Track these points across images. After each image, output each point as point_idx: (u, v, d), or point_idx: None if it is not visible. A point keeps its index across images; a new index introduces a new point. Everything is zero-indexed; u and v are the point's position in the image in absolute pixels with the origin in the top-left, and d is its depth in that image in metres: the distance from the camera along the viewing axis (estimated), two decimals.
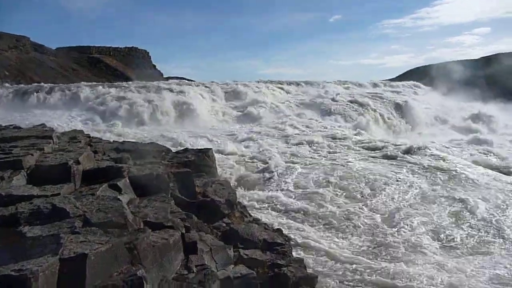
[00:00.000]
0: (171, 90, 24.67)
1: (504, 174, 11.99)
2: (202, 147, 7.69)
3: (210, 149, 6.47)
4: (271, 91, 29.27)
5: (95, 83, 30.23)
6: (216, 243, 4.43)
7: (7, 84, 31.32)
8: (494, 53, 47.04)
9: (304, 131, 19.20)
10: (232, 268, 4.36)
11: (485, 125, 24.69)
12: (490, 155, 14.63)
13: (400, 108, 26.37)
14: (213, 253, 4.27)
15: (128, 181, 4.77)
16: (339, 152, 14.19)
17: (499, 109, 28.78)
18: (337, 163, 12.28)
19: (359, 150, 14.69)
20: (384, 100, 27.80)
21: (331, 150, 14.51)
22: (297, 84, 33.59)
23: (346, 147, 15.11)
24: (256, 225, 5.17)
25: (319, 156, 13.61)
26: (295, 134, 17.99)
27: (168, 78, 49.99)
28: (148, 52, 72.51)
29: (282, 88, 31.02)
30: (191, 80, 36.18)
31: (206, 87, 27.32)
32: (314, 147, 14.94)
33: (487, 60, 44.55)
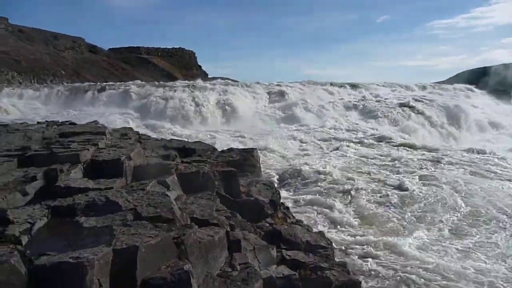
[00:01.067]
0: (216, 90, 25.11)
1: None
2: (247, 147, 7.80)
3: (255, 149, 6.54)
4: (315, 92, 29.02)
5: (144, 82, 31.37)
6: (260, 243, 4.47)
7: (64, 83, 33.24)
8: None
9: (348, 132, 18.96)
10: (275, 268, 4.37)
11: None
12: None
13: (451, 113, 25.27)
14: (256, 252, 4.31)
15: (175, 178, 4.92)
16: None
17: None
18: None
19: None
20: (434, 103, 26.75)
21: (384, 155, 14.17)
22: (341, 85, 33.11)
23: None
24: (299, 226, 5.16)
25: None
26: (338, 136, 17.80)
27: (213, 78, 50.91)
28: (194, 53, 74.21)
29: (326, 90, 30.72)
30: (235, 81, 36.61)
31: (249, 87, 27.56)
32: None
33: None
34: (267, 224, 5.10)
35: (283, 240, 4.81)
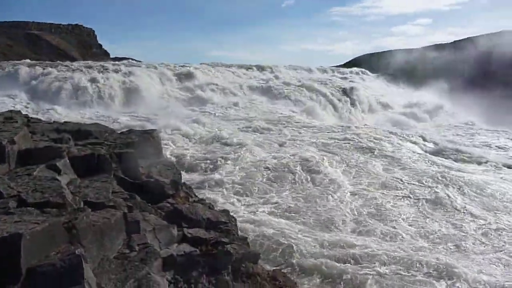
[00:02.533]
0: (118, 71, 23.83)
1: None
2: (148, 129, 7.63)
3: (155, 130, 6.42)
4: (222, 74, 29.11)
5: (35, 61, 28.48)
6: (160, 222, 4.46)
7: None
8: (435, 43, 49.67)
9: (254, 115, 19.43)
10: (176, 246, 4.41)
11: (422, 111, 26.24)
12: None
13: (347, 94, 27.28)
14: (156, 232, 4.30)
15: (68, 161, 4.65)
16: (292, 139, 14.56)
17: (439, 97, 30.57)
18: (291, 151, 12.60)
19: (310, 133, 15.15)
20: (333, 85, 28.60)
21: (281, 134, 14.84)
22: (248, 68, 33.65)
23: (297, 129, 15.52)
24: (200, 205, 5.24)
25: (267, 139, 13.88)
26: (245, 117, 18.17)
27: (115, 59, 48.12)
28: (93, 31, 69.24)
29: (233, 72, 30.96)
30: (139, 61, 35.05)
31: (154, 68, 26.65)
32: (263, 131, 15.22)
33: (430, 49, 46.91)
34: (168, 204, 5.09)
35: (185, 219, 4.86)
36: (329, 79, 30.89)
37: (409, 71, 38.56)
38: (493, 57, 36.76)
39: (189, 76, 26.48)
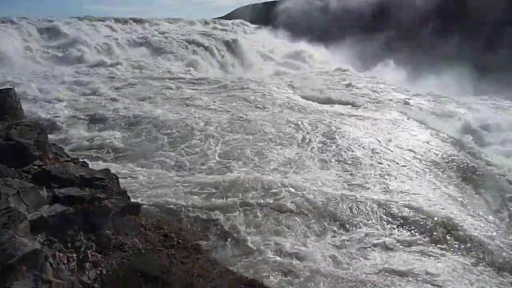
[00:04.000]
0: None
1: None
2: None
3: (12, 88, 5.77)
4: (96, 29, 26.78)
5: None
6: (25, 185, 4.18)
7: None
8: None
9: (135, 71, 18.55)
10: (47, 208, 4.21)
11: (301, 60, 27.78)
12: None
13: (230, 46, 27.39)
14: (21, 195, 4.03)
15: None
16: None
17: (316, 48, 32.49)
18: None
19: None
20: (215, 38, 28.38)
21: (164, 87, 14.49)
22: (125, 21, 31.43)
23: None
24: (72, 163, 5.00)
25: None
26: (125, 74, 17.26)
27: None
28: None
29: (110, 26, 28.67)
30: None
31: (13, 23, 23.33)
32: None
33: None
34: (36, 167, 4.76)
35: (55, 179, 4.62)
36: (211, 32, 30.53)
37: (290, 22, 39.91)
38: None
39: (56, 32, 23.81)
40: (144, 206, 5.78)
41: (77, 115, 10.63)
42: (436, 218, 6.80)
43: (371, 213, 6.70)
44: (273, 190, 6.97)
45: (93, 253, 4.30)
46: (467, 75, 23.14)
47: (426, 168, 9.26)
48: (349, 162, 8.71)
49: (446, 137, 11.81)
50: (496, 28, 29.58)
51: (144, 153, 8.42)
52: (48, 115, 10.61)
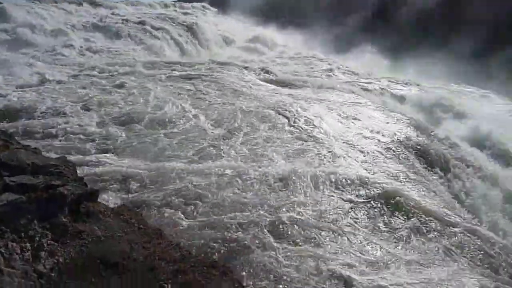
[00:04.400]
0: None
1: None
2: None
3: None
4: (47, 11, 25.44)
5: None
6: None
7: None
8: None
9: (89, 56, 17.84)
10: None
11: (263, 44, 27.71)
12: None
13: (191, 29, 26.84)
14: None
15: None
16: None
17: (277, 32, 32.48)
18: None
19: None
20: (176, 21, 27.71)
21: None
22: (80, 3, 30.06)
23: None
24: (23, 150, 4.79)
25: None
26: (83, 60, 16.57)
27: None
28: None
29: (63, 9, 27.31)
30: None
31: None
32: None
33: None
34: None
35: (4, 167, 4.41)
36: (171, 15, 29.76)
37: (252, 5, 39.56)
38: None
39: (4, 15, 22.38)
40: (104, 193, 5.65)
41: (24, 103, 10.10)
42: (389, 191, 7.12)
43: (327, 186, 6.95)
44: (228, 173, 7.05)
45: (49, 241, 4.17)
46: (446, 61, 23.92)
47: (383, 146, 9.61)
48: (306, 140, 8.94)
49: (404, 118, 12.27)
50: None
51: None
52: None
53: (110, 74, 13.99)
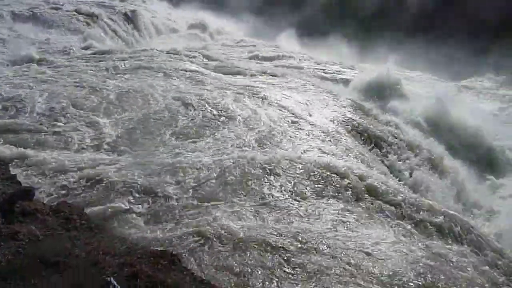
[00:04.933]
0: None
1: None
2: None
3: None
4: None
5: None
6: None
7: None
8: None
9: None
10: None
11: (208, 33, 27.31)
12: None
13: (129, 17, 25.81)
14: None
15: None
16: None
17: (221, 19, 32.00)
18: None
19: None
20: (114, 9, 26.50)
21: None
22: None
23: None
24: None
25: None
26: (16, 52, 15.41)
27: None
28: None
29: None
30: None
31: None
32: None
33: None
34: None
35: None
36: (109, 3, 28.40)
37: None
38: None
39: None
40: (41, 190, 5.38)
41: None
42: (340, 171, 7.41)
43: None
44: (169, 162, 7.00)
45: None
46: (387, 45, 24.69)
47: (324, 128, 9.89)
48: (243, 124, 9.00)
49: (342, 99, 12.69)
50: None
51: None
52: None
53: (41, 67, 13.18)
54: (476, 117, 13.92)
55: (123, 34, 23.39)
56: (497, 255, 6.28)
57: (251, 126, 8.97)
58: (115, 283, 2.78)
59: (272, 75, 14.24)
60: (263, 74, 14.06)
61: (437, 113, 13.59)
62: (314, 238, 5.51)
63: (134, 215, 5.47)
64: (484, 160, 12.42)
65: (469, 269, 5.62)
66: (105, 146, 7.45)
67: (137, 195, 5.84)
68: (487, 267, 5.85)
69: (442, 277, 5.28)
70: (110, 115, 8.89)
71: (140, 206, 5.64)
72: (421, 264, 5.41)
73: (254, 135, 8.52)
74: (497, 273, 5.81)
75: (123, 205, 5.59)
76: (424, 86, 19.06)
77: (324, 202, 6.61)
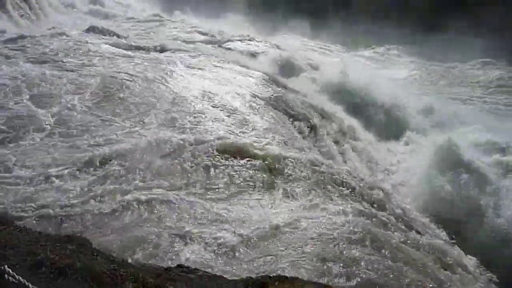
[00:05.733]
0: None
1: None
2: None
3: None
4: None
5: None
6: None
7: None
8: None
9: None
10: None
11: (112, 8, 25.71)
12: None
13: None
14: None
15: None
16: None
17: None
18: None
19: None
20: None
21: None
22: None
23: None
24: None
25: None
26: None
27: None
28: None
29: None
30: None
31: None
32: None
33: None
34: None
35: None
36: None
37: None
38: None
39: None
40: None
41: None
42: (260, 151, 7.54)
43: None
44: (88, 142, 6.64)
45: None
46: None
47: (240, 102, 9.98)
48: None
49: (258, 73, 12.85)
50: None
51: None
52: None
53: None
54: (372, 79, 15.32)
55: (10, 12, 21.00)
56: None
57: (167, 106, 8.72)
58: (9, 270, 2.59)
59: (179, 50, 13.87)
60: (167, 49, 13.63)
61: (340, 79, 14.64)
62: None
63: (38, 202, 5.09)
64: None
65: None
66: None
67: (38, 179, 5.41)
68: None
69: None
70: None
71: (40, 191, 5.26)
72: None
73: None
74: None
75: (25, 193, 5.17)
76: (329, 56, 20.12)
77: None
